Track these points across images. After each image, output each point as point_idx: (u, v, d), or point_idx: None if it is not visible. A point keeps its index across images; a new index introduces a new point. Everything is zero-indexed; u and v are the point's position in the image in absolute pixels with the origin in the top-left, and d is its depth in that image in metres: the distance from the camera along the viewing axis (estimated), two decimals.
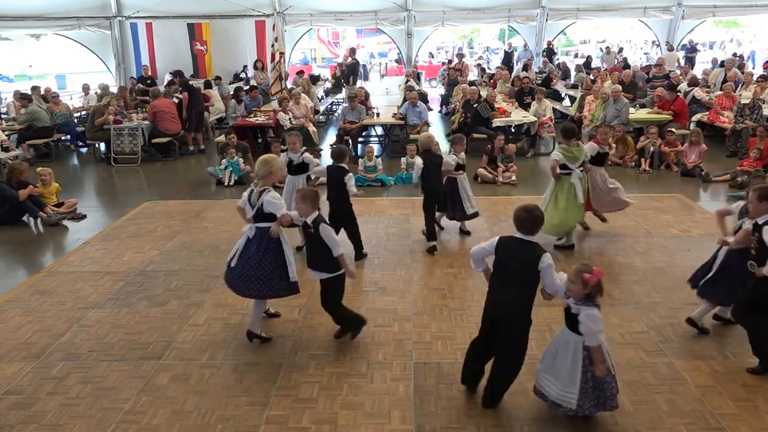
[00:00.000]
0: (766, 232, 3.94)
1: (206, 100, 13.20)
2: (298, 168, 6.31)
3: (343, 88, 15.33)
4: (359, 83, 18.37)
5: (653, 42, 20.42)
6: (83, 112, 13.86)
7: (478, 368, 3.84)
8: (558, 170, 6.21)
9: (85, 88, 15.03)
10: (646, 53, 28.63)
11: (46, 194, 8.11)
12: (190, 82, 12.55)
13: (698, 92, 12.67)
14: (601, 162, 6.61)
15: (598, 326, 3.29)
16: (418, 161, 6.36)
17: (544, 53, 18.95)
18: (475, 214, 6.83)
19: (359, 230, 6.18)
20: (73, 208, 8.10)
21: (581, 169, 6.25)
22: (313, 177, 6.33)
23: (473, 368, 3.86)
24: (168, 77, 16.56)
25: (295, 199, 4.43)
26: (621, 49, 20.90)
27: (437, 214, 6.81)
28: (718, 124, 11.42)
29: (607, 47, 21.72)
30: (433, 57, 30.48)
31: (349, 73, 15.60)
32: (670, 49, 18.44)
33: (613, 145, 6.65)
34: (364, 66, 27.63)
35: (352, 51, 18.99)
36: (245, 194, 4.55)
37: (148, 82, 16.33)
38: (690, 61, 18.85)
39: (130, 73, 18.12)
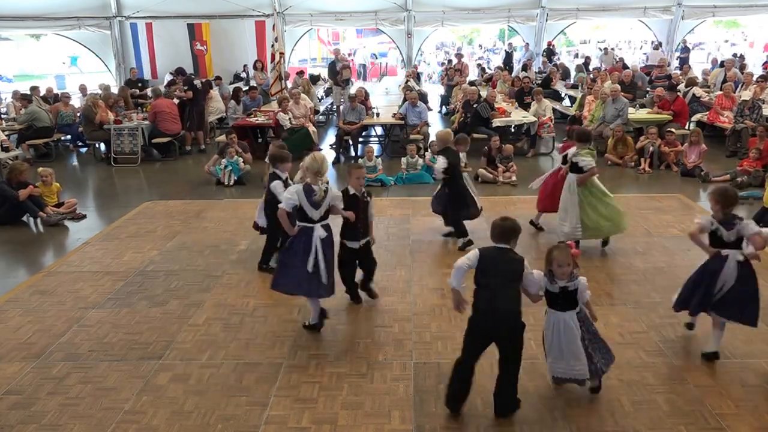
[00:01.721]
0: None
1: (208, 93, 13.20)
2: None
3: (333, 88, 15.34)
4: (359, 83, 18.33)
5: (652, 42, 20.37)
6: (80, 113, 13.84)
7: (466, 389, 3.66)
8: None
9: (83, 89, 15.02)
10: (645, 53, 28.61)
11: (46, 194, 8.11)
12: (195, 81, 12.54)
13: (697, 90, 12.68)
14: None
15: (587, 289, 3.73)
16: (441, 161, 6.28)
17: (544, 53, 18.96)
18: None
19: None
20: (72, 208, 8.10)
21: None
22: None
23: (462, 389, 3.66)
24: (168, 77, 16.55)
25: (360, 174, 4.91)
26: (612, 49, 20.89)
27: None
28: (718, 124, 11.41)
29: (605, 48, 21.72)
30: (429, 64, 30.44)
31: (334, 73, 15.54)
32: (656, 48, 18.72)
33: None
34: (364, 66, 27.60)
35: (337, 51, 18.96)
36: (293, 195, 4.39)
37: (139, 84, 16.26)
38: (684, 62, 18.87)
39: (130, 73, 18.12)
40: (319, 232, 4.46)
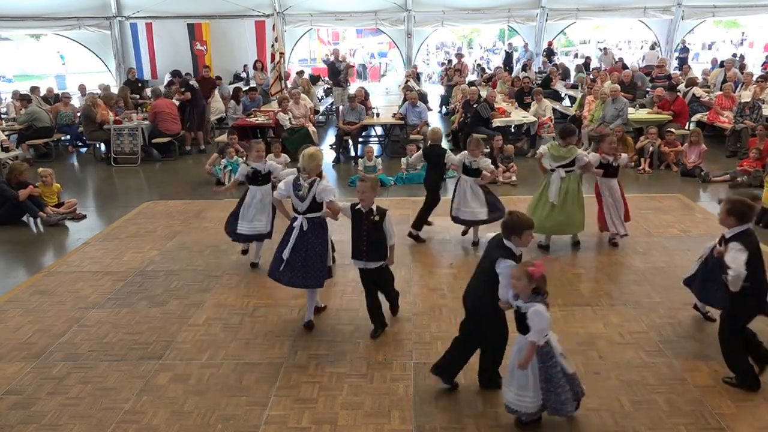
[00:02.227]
0: (730, 250, 3.72)
1: (211, 88, 13.22)
2: (265, 177, 5.91)
3: (333, 88, 15.32)
4: (357, 83, 18.34)
5: (652, 42, 20.39)
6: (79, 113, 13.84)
7: (462, 360, 3.91)
8: (544, 165, 6.31)
9: (82, 89, 15.02)
10: (644, 54, 28.62)
11: (46, 194, 8.11)
12: (191, 82, 12.54)
13: (697, 91, 12.68)
14: (611, 173, 6.33)
15: (543, 323, 3.24)
16: (417, 153, 6.46)
17: (544, 53, 18.96)
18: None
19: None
20: (72, 209, 8.10)
21: (568, 171, 6.16)
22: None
23: (449, 360, 3.93)
24: (168, 77, 16.55)
25: (361, 188, 4.38)
26: (605, 49, 20.84)
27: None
28: (718, 125, 11.41)
29: (605, 48, 21.71)
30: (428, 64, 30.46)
31: (334, 74, 15.51)
32: (652, 47, 18.74)
33: (622, 156, 6.42)
34: (363, 65, 27.59)
35: (336, 52, 18.97)
36: (285, 186, 4.67)
37: (139, 85, 16.25)
38: (683, 62, 18.87)
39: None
40: (300, 221, 4.59)
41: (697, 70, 17.05)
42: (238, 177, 6.21)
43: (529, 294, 3.29)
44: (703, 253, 4.50)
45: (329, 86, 16.60)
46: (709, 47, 32.35)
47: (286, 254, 4.58)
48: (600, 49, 23.01)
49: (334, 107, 14.86)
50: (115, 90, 14.86)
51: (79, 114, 12.34)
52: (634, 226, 6.98)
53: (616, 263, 6.09)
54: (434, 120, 14.69)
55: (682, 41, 19.26)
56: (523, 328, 3.33)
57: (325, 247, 4.68)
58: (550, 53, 19.31)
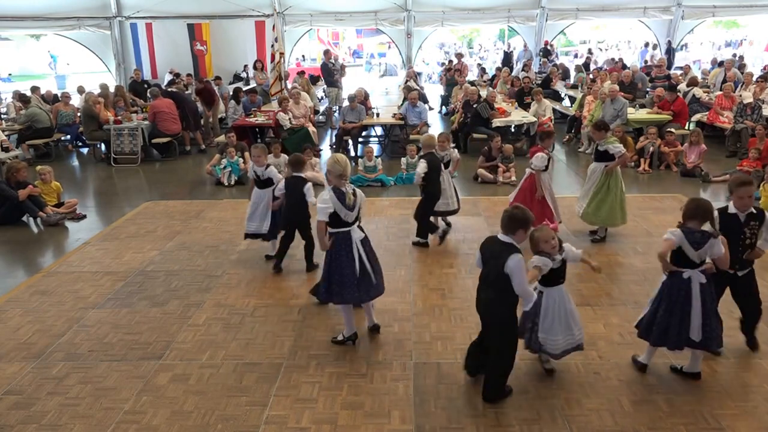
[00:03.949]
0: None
1: (213, 98, 13.22)
2: (265, 182, 6.11)
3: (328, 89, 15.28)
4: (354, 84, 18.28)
5: (653, 44, 20.37)
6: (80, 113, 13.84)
7: (480, 355, 3.91)
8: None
9: (81, 90, 15.01)
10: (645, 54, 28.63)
11: (45, 192, 8.10)
12: (170, 89, 12.57)
13: (697, 91, 12.68)
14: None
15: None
16: (422, 165, 6.19)
17: (541, 52, 18.97)
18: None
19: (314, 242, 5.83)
20: (73, 209, 8.10)
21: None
22: (278, 194, 5.93)
23: (474, 354, 3.98)
24: (168, 77, 16.53)
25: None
26: (590, 50, 20.86)
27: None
28: (718, 125, 11.42)
29: (605, 49, 21.73)
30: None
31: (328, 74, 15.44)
32: (646, 45, 18.78)
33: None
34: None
35: (328, 52, 18.95)
36: (330, 202, 4.17)
37: (145, 86, 16.22)
38: (669, 63, 18.87)
39: (130, 73, 18.08)
40: (357, 234, 4.33)
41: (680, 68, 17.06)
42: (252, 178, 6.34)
43: (558, 246, 3.78)
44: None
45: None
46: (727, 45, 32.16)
47: (357, 271, 4.28)
48: (600, 50, 23.05)
49: (332, 108, 14.70)
50: (113, 90, 14.83)
51: (79, 114, 12.33)
52: (634, 226, 6.98)
53: (616, 263, 6.09)
54: (434, 120, 14.71)
55: (668, 42, 19.25)
56: (558, 277, 3.82)
57: (375, 253, 4.55)
58: (546, 53, 19.32)
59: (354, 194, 4.28)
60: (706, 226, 3.72)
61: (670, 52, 18.58)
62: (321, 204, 4.22)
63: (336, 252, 4.32)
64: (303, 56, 26.31)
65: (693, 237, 3.66)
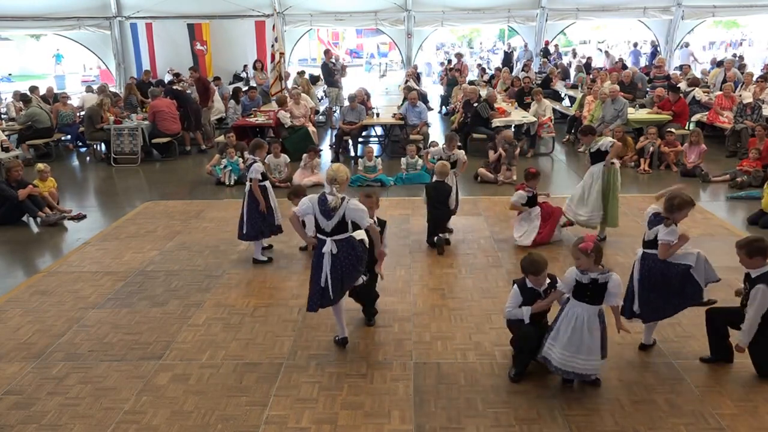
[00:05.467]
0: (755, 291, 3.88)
1: (208, 96, 13.18)
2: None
3: (322, 88, 15.24)
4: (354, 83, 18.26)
5: (652, 43, 20.38)
6: (81, 112, 13.83)
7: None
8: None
9: (89, 89, 15.01)
10: (644, 53, 28.62)
11: (42, 188, 8.07)
12: (175, 87, 12.54)
13: (697, 92, 12.68)
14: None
15: (621, 288, 3.81)
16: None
17: (541, 52, 18.98)
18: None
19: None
20: (67, 212, 8.04)
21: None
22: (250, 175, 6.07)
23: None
24: (168, 77, 16.53)
25: (368, 204, 4.55)
26: (606, 52, 20.92)
27: None
28: (718, 125, 11.42)
29: (606, 51, 21.74)
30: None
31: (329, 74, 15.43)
32: (635, 45, 18.98)
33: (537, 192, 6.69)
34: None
35: (328, 52, 18.97)
36: (309, 203, 4.16)
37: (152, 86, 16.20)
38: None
39: (130, 73, 18.09)
40: (329, 246, 4.15)
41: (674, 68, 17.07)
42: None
43: (593, 265, 3.66)
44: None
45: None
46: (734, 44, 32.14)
47: (322, 282, 4.21)
48: (600, 50, 23.04)
49: (333, 109, 14.67)
50: (113, 89, 14.84)
51: (79, 114, 12.34)
52: (634, 226, 6.98)
53: (616, 263, 6.08)
54: (434, 120, 14.70)
55: (652, 43, 19.27)
56: (598, 298, 3.73)
57: (362, 263, 4.31)
58: (546, 53, 19.33)
59: (341, 202, 4.08)
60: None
61: (655, 55, 18.66)
62: (303, 200, 4.27)
63: (314, 257, 4.32)
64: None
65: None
